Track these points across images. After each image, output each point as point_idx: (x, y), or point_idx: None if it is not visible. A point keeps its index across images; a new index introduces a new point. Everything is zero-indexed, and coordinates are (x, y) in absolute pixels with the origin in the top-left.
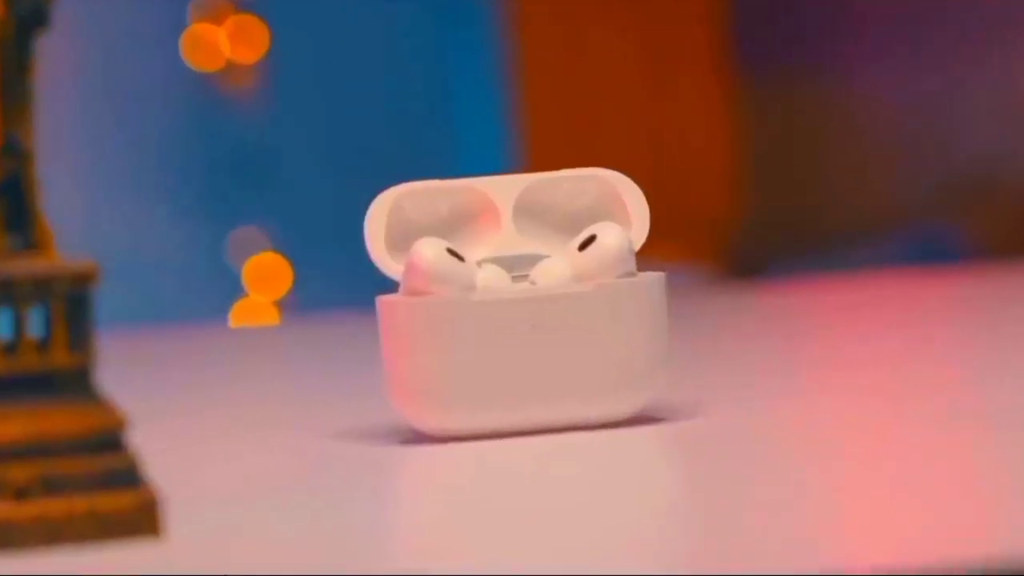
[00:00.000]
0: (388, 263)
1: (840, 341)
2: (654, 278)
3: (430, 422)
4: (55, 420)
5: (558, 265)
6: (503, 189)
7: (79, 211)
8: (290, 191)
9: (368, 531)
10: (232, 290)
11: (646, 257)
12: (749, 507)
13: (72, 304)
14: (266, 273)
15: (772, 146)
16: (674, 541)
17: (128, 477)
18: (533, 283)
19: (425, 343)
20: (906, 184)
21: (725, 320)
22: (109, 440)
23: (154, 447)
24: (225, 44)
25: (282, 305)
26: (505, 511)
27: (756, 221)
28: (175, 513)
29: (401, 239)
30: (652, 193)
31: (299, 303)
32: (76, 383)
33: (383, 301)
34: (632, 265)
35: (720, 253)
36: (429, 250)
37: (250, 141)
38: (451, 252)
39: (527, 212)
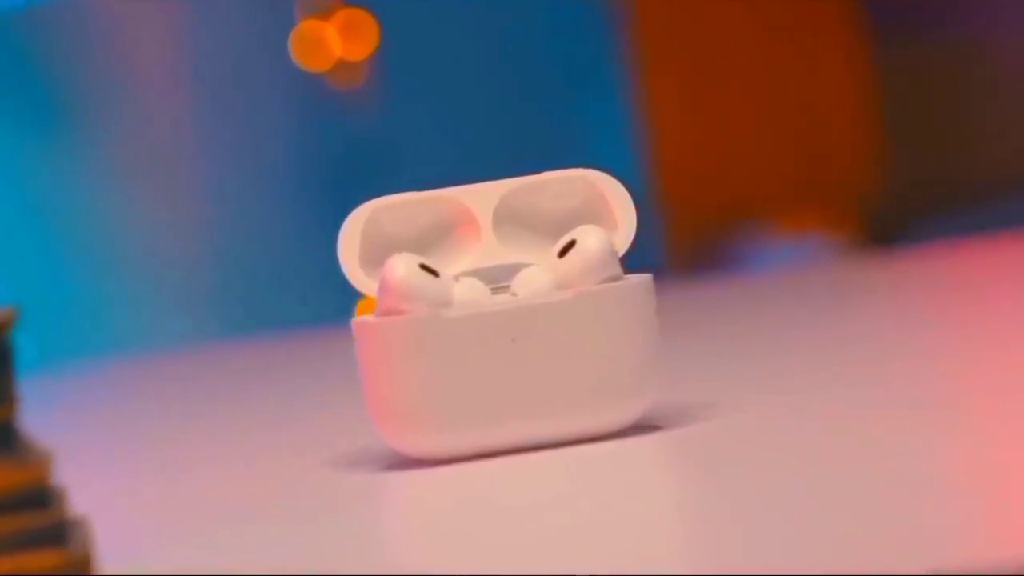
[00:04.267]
0: (363, 281)
1: (956, 317)
2: (639, 281)
3: (414, 446)
4: None
5: (539, 274)
6: (482, 197)
7: (194, 219)
8: (408, 186)
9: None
10: (354, 288)
11: (785, 228)
12: (715, 523)
13: None
14: None
15: (907, 109)
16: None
17: (53, 535)
18: (514, 294)
19: (401, 364)
20: None
21: (850, 293)
22: (33, 497)
23: (129, 475)
24: (335, 40)
25: None
26: (503, 536)
27: (894, 186)
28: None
29: (379, 254)
30: (788, 162)
31: None
32: None
33: (357, 322)
34: (616, 268)
35: (859, 220)
36: (401, 267)
37: (365, 138)
38: (425, 267)
39: (510, 219)
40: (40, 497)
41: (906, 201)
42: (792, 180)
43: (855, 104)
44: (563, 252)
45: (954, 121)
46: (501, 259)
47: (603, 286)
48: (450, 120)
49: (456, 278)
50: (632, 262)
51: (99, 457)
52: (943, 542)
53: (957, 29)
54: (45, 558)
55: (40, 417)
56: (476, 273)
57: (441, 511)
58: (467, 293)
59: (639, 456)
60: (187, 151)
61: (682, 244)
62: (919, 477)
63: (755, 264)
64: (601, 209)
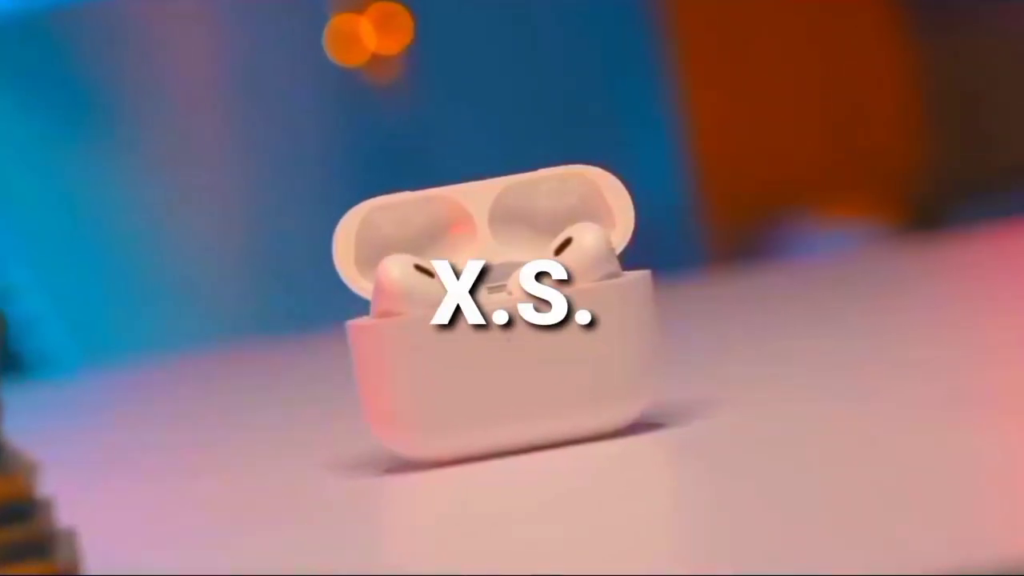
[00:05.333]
0: (359, 282)
1: (997, 304)
2: (637, 277)
3: (411, 448)
4: None
5: None
6: (477, 196)
7: (229, 216)
8: (444, 180)
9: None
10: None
11: (828, 214)
12: (712, 523)
13: None
14: None
15: (949, 92)
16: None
17: (37, 548)
18: (510, 293)
19: (396, 366)
20: None
21: (892, 280)
22: (16, 510)
23: (132, 479)
24: (369, 34)
25: None
26: (504, 538)
27: (937, 170)
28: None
29: (375, 256)
30: (829, 149)
31: None
32: None
33: (352, 325)
34: (614, 266)
35: (902, 205)
36: (395, 268)
37: (401, 133)
38: (420, 268)
39: (506, 217)
40: (22, 509)
41: (949, 185)
42: (834, 166)
43: (897, 89)
44: (559, 250)
45: (996, 104)
46: (497, 258)
47: (600, 284)
48: (486, 114)
49: None
50: (673, 254)
51: (105, 461)
52: (947, 542)
53: (999, 12)
54: (28, 571)
55: (53, 421)
56: None
57: (441, 513)
58: None
59: (639, 455)
60: (221, 148)
61: (723, 234)
62: (926, 477)
63: (798, 252)
64: (599, 206)
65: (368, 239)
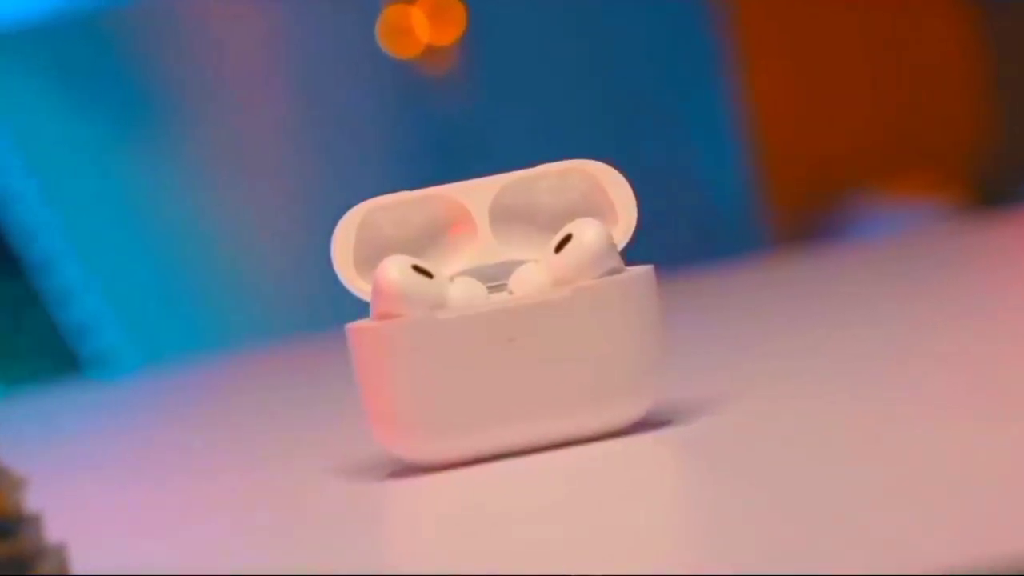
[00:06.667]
0: (358, 285)
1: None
2: (639, 273)
3: (413, 451)
4: None
5: (536, 270)
6: (477, 194)
7: (284, 214)
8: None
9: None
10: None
11: (891, 194)
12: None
13: None
14: None
15: (1016, 67)
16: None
17: (19, 565)
18: (511, 292)
19: (396, 369)
20: None
21: (956, 261)
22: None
23: (145, 483)
24: (422, 25)
25: None
26: (509, 539)
27: (1004, 146)
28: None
29: (375, 256)
30: (892, 126)
31: None
32: None
33: (351, 328)
34: (615, 261)
35: (968, 183)
36: (394, 269)
37: (455, 124)
38: (418, 269)
39: (508, 215)
40: (5, 526)
41: (1015, 163)
42: (897, 146)
43: (960, 66)
44: (559, 247)
45: None
46: (498, 257)
47: (601, 280)
48: (541, 104)
49: (452, 278)
50: (736, 239)
51: (124, 461)
52: (947, 542)
53: None
54: None
55: (89, 422)
56: (473, 272)
57: (444, 513)
58: (463, 293)
59: (641, 455)
60: (276, 145)
61: (787, 217)
62: (928, 476)
63: (862, 233)
64: (601, 201)
65: (368, 239)
